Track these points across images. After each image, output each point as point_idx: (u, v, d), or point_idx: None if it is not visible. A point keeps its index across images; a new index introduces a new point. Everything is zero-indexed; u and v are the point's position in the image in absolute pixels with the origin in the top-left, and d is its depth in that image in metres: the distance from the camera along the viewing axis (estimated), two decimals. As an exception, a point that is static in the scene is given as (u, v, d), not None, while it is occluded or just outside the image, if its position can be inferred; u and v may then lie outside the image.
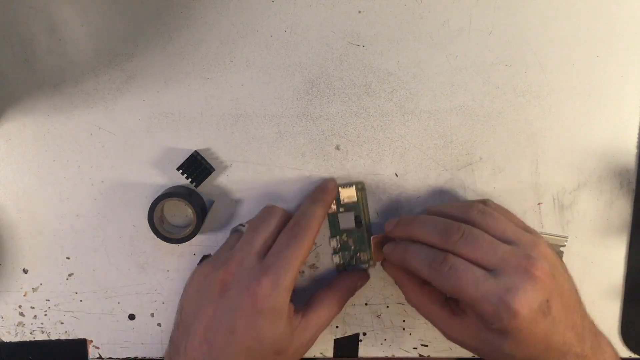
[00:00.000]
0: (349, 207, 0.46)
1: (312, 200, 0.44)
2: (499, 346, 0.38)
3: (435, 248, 0.39)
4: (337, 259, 0.47)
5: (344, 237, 0.46)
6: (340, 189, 0.46)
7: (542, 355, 0.38)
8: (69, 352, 0.48)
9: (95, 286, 0.48)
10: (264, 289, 0.38)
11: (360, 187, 0.46)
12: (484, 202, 0.44)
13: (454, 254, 0.38)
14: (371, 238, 0.46)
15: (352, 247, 0.47)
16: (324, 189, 0.45)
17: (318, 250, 0.47)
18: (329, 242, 0.47)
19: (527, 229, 0.42)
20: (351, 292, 0.46)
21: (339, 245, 0.47)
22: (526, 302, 0.36)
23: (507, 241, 0.39)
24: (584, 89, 0.45)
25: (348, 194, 0.46)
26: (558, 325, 0.37)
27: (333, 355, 0.49)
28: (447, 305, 0.41)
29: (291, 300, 0.41)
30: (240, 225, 0.44)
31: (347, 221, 0.46)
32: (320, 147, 0.46)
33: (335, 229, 0.47)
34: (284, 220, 0.43)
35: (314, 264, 0.48)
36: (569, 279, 0.40)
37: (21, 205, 0.46)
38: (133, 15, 0.44)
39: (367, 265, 0.48)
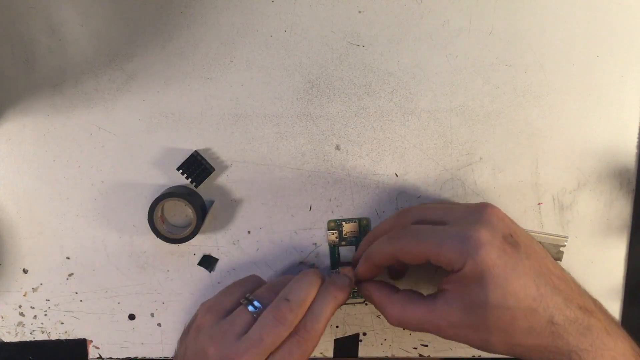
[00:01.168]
0: (351, 241, 0.47)
1: (324, 297, 0.40)
2: (485, 302, 0.35)
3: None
4: None
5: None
6: (344, 223, 0.46)
7: (539, 307, 0.35)
8: (69, 352, 0.48)
9: (95, 286, 0.48)
10: None
11: (365, 224, 0.47)
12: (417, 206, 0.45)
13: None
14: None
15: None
16: (340, 287, 0.41)
17: (318, 251, 0.47)
18: (329, 274, 0.47)
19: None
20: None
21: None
22: (487, 231, 0.35)
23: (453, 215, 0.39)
24: (584, 89, 0.45)
25: (351, 229, 0.46)
26: (536, 262, 0.35)
27: (333, 355, 0.49)
28: (425, 299, 0.39)
29: None
30: (251, 304, 0.41)
31: (348, 255, 0.46)
32: (320, 147, 0.46)
33: (335, 262, 0.47)
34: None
35: (314, 264, 0.48)
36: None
37: (21, 205, 0.46)
38: (133, 15, 0.44)
39: (363, 299, 0.48)
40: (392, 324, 0.40)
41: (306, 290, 0.40)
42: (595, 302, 0.38)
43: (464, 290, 0.36)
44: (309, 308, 0.40)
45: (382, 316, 0.48)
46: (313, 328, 0.39)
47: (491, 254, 0.35)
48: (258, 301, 0.41)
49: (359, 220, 0.46)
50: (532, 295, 0.35)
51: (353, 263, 0.45)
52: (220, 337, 0.39)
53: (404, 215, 0.42)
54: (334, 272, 0.47)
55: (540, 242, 0.46)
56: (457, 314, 0.37)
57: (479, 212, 0.38)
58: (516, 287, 0.35)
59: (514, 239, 0.36)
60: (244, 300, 0.41)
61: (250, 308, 0.40)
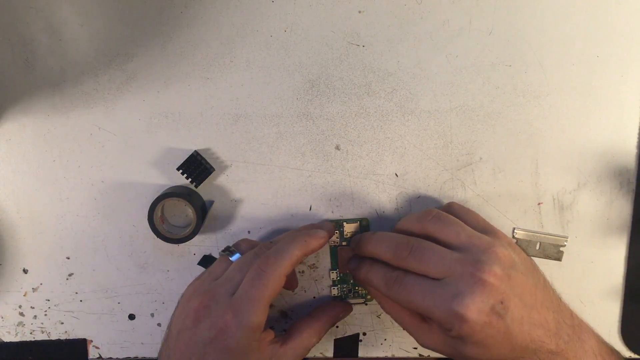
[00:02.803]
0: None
1: (293, 239, 0.42)
2: (463, 351, 0.38)
3: (391, 266, 0.41)
4: (335, 291, 0.47)
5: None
6: (344, 224, 0.46)
7: (509, 356, 0.38)
8: (69, 352, 0.48)
9: (95, 286, 0.48)
10: (229, 328, 0.38)
11: (365, 224, 0.46)
12: (448, 205, 0.45)
13: (406, 269, 0.40)
14: (338, 249, 0.46)
15: (351, 281, 0.47)
16: (312, 234, 0.42)
17: (318, 251, 0.47)
18: (329, 274, 0.47)
19: (487, 230, 0.42)
20: (332, 323, 0.46)
21: (338, 278, 0.47)
22: (474, 306, 0.36)
23: (459, 246, 0.39)
24: (584, 89, 0.45)
25: (352, 229, 0.46)
26: (521, 325, 0.37)
27: (333, 355, 0.49)
28: (416, 314, 0.42)
29: (272, 327, 0.41)
30: (229, 250, 0.43)
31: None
32: (320, 147, 0.46)
33: (336, 262, 0.47)
34: None
35: (313, 264, 0.48)
36: (534, 276, 0.40)
37: (21, 205, 0.46)
38: (133, 15, 0.44)
39: (363, 300, 0.48)
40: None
41: (288, 242, 0.42)
42: (572, 334, 0.39)
43: (448, 337, 0.39)
44: (275, 244, 0.42)
45: (382, 316, 0.48)
46: (275, 261, 0.40)
47: (473, 327, 0.37)
48: (238, 253, 0.43)
49: (360, 220, 0.46)
50: (505, 354, 0.38)
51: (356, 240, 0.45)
52: (199, 283, 0.42)
53: (425, 219, 0.42)
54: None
55: (540, 242, 0.47)
56: (437, 344, 0.40)
57: (481, 262, 0.38)
58: (493, 351, 0.38)
59: (504, 305, 0.37)
60: (224, 251, 0.43)
61: (231, 257, 0.42)
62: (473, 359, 0.38)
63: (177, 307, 0.42)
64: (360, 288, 0.47)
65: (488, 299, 0.36)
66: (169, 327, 0.41)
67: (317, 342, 0.44)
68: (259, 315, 0.39)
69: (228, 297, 0.39)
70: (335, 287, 0.47)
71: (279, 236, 0.44)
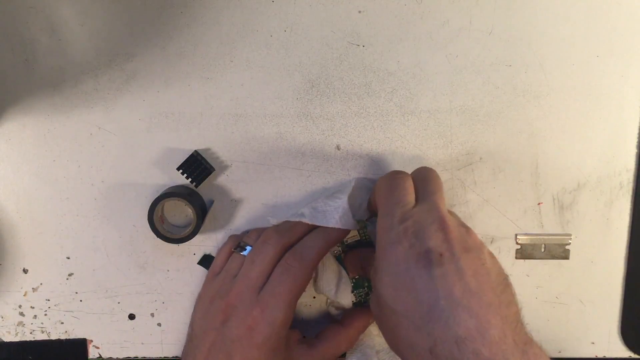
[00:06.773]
0: (352, 246, 0.46)
1: (317, 233, 0.42)
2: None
3: None
4: (352, 298, 0.46)
5: (357, 275, 0.46)
6: None
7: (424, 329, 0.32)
8: (69, 352, 0.48)
9: (95, 286, 0.48)
10: (258, 325, 0.39)
11: (362, 226, 0.46)
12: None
13: None
14: (342, 255, 0.46)
15: (366, 284, 0.46)
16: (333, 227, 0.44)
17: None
18: None
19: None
20: (362, 330, 0.45)
21: (352, 283, 0.46)
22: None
23: None
24: (584, 89, 0.45)
25: (351, 234, 0.46)
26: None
27: (333, 355, 0.49)
28: None
29: (298, 327, 0.41)
30: (241, 246, 0.44)
31: None
32: (320, 147, 0.46)
33: (340, 260, 0.47)
34: (282, 247, 0.42)
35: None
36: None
37: (21, 205, 0.46)
38: (133, 15, 0.44)
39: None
40: None
41: (295, 223, 0.43)
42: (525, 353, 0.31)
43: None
44: (302, 240, 0.42)
45: (382, 316, 0.48)
46: (301, 255, 0.41)
47: None
48: (250, 245, 0.43)
49: (358, 222, 0.46)
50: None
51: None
52: (219, 283, 0.42)
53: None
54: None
55: (544, 244, 0.46)
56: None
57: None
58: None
59: None
60: (236, 248, 0.44)
61: (243, 252, 0.43)
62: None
63: (197, 308, 0.43)
64: None
65: None
66: (192, 326, 0.42)
67: (347, 350, 0.44)
68: (285, 311, 0.39)
69: (252, 293, 0.40)
70: (352, 293, 0.46)
71: (284, 222, 0.44)
